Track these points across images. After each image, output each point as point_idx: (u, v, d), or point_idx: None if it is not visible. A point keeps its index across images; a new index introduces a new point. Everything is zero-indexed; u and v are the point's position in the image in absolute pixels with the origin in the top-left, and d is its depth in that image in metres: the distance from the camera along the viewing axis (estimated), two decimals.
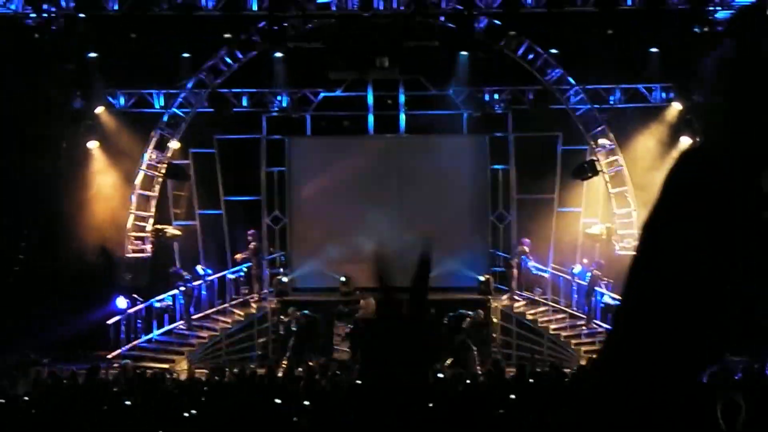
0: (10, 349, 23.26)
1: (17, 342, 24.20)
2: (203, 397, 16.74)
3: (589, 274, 26.61)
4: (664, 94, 27.99)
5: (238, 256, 27.79)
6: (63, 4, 25.51)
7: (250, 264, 27.87)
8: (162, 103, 28.37)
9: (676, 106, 27.65)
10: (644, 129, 27.86)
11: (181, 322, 26.87)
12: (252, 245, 27.67)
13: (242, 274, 28.17)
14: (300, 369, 21.12)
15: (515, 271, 27.42)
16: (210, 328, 27.07)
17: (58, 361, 23.93)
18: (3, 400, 15.98)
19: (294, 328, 25.40)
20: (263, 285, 27.76)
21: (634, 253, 2.01)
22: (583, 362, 23.98)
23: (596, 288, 26.29)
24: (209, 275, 27.66)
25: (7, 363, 21.92)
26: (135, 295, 26.74)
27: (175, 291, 27.08)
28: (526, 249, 27.34)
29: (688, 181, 1.92)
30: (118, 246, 27.85)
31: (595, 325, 26.37)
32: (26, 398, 16.43)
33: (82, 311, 25.99)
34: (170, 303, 26.93)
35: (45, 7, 25.16)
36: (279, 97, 28.53)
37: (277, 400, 15.42)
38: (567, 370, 20.30)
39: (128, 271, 27.57)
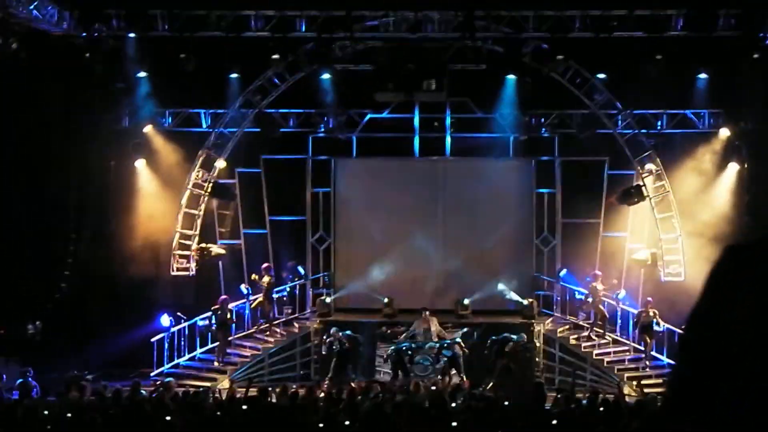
0: (58, 365, 23.29)
1: (64, 358, 24.40)
2: (244, 417, 16.73)
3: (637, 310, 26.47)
4: (712, 120, 27.73)
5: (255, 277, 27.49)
6: (114, 23, 25.65)
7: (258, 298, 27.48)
8: (209, 122, 28.53)
9: (724, 133, 27.38)
10: (692, 155, 27.66)
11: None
12: (264, 280, 27.29)
13: (286, 293, 28.13)
14: (341, 390, 20.95)
15: (589, 302, 27.15)
16: (253, 347, 27.04)
17: (103, 377, 24.09)
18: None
19: (336, 349, 25.32)
20: (274, 320, 27.59)
21: (682, 336, 2.24)
22: (627, 389, 23.72)
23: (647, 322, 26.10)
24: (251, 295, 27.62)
25: (55, 379, 21.85)
26: (179, 313, 26.76)
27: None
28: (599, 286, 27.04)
29: (731, 276, 2.12)
30: (164, 264, 27.94)
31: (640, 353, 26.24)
32: (69, 415, 16.41)
33: (127, 328, 26.17)
34: (213, 321, 26.86)
35: (96, 26, 25.24)
36: (326, 118, 28.61)
37: (320, 424, 15.36)
38: (609, 396, 20.12)
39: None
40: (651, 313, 25.74)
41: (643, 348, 26.17)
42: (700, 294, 2.22)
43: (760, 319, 2.06)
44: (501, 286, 27.91)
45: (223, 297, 26.63)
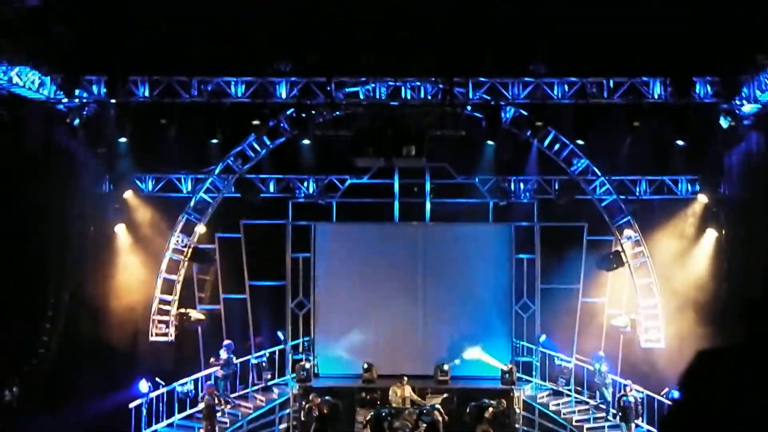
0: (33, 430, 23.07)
1: (41, 424, 24.21)
2: None
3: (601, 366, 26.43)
4: (690, 187, 28.05)
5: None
6: (94, 90, 25.74)
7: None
8: (189, 187, 28.69)
9: (702, 199, 27.63)
10: (670, 221, 27.89)
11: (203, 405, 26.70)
12: (222, 359, 27.14)
13: (265, 358, 28.05)
14: None
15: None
16: (231, 414, 26.87)
17: None
18: None
19: (315, 415, 25.17)
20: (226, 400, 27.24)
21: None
22: None
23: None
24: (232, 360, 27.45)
25: None
26: (158, 379, 26.56)
27: (198, 375, 26.99)
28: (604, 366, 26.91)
29: (701, 380, 2.34)
30: (143, 329, 27.85)
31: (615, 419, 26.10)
32: None
33: (105, 394, 25.94)
34: (192, 387, 26.80)
35: (77, 92, 25.33)
36: (306, 184, 28.84)
37: None
38: None
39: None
40: (630, 398, 25.45)
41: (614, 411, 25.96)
42: (678, 391, 2.44)
43: (728, 418, 2.24)
44: (480, 353, 27.79)
45: (210, 384, 26.39)
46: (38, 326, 27.51)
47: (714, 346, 2.51)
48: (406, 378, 26.14)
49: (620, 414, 25.41)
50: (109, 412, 25.83)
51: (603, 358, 26.77)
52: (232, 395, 27.29)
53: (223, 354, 27.06)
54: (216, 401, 25.91)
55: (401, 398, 25.82)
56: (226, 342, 27.38)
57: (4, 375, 26.30)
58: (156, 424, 26.31)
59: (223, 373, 26.96)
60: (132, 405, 25.92)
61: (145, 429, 25.98)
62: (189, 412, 26.84)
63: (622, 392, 25.49)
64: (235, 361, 27.29)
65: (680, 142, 26.54)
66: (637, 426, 25.44)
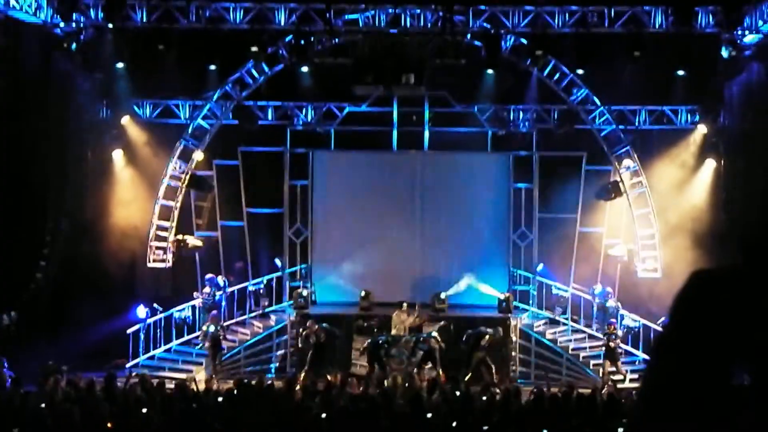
0: (33, 355, 23.09)
1: (40, 349, 24.14)
2: (222, 410, 16.75)
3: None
4: (689, 117, 27.93)
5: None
6: (92, 14, 25.57)
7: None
8: (187, 114, 28.51)
9: (701, 129, 27.60)
10: (669, 151, 27.87)
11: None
12: (205, 293, 27.20)
13: (263, 285, 28.12)
14: (317, 383, 20.97)
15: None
16: (229, 340, 26.95)
17: (78, 369, 23.93)
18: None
19: (312, 342, 25.23)
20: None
21: (650, 359, 2.41)
22: (599, 384, 23.82)
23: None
24: (228, 286, 27.65)
25: (30, 370, 21.55)
26: (155, 305, 26.72)
27: (195, 302, 27.15)
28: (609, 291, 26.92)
29: (696, 302, 2.26)
30: (141, 255, 27.97)
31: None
32: (43, 406, 16.34)
33: (103, 319, 26.11)
34: (189, 314, 26.97)
35: (74, 17, 25.16)
36: (304, 111, 28.64)
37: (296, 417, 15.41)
38: (584, 391, 20.16)
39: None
40: (614, 336, 25.32)
41: (620, 375, 25.41)
42: (667, 318, 2.35)
43: (721, 344, 2.19)
44: (477, 281, 27.92)
45: (214, 313, 26.38)
46: (37, 252, 27.47)
47: (711, 267, 2.38)
48: (405, 304, 26.10)
49: (605, 352, 25.32)
50: (108, 337, 25.95)
51: (610, 293, 26.66)
52: (230, 321, 27.25)
53: (207, 289, 27.06)
54: (220, 331, 25.89)
55: (405, 325, 25.78)
56: (209, 276, 27.32)
57: (2, 300, 26.42)
58: (154, 349, 26.52)
59: (205, 307, 26.90)
60: (130, 330, 26.12)
61: (142, 354, 26.19)
62: (187, 337, 26.92)
63: (607, 330, 25.47)
64: (218, 295, 27.20)
65: (681, 72, 26.65)
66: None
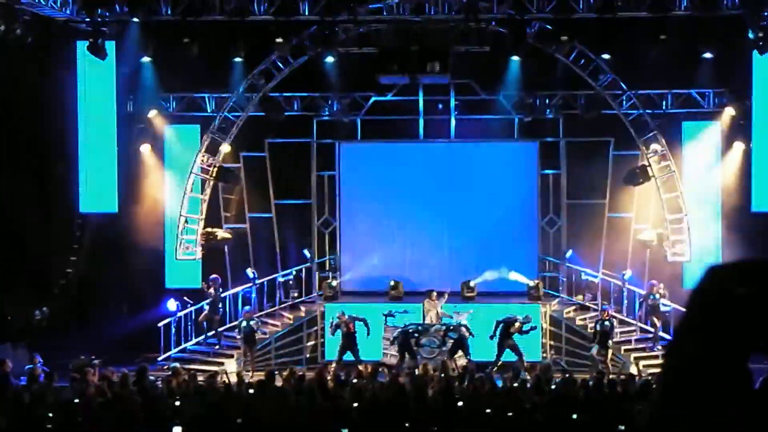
0: (65, 350, 23.32)
1: (71, 343, 24.46)
2: (252, 401, 16.76)
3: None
4: (717, 100, 27.77)
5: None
6: (117, 8, 25.65)
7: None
8: (214, 106, 28.56)
9: (729, 112, 27.43)
10: (697, 134, 27.80)
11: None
12: (210, 292, 26.75)
13: (292, 276, 28.21)
14: (348, 373, 21.01)
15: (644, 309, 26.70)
16: (260, 331, 26.80)
17: (109, 363, 24.02)
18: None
19: (343, 332, 25.26)
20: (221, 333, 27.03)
21: (665, 355, 2.44)
22: (633, 369, 23.78)
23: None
24: (258, 278, 27.67)
25: (62, 365, 21.66)
26: (185, 298, 26.78)
27: (226, 293, 27.26)
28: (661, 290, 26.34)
29: (711, 296, 2.28)
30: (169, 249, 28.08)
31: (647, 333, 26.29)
32: (77, 401, 16.44)
33: (133, 313, 26.33)
34: (220, 306, 27.00)
35: (99, 11, 25.26)
36: (330, 102, 28.65)
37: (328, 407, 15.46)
38: (614, 377, 20.32)
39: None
40: (657, 295, 25.60)
41: (652, 329, 26.00)
42: (684, 312, 2.37)
43: (736, 338, 2.21)
44: (506, 269, 27.74)
45: (247, 308, 26.37)
46: (66, 247, 27.80)
47: (728, 261, 2.39)
48: (435, 292, 26.08)
49: (597, 337, 25.18)
50: (139, 331, 26.13)
51: (655, 284, 26.22)
52: (260, 313, 27.22)
53: (211, 290, 26.70)
54: (255, 326, 25.85)
55: (436, 312, 25.80)
56: (213, 276, 27.02)
57: (34, 295, 26.55)
58: (185, 342, 26.64)
59: (206, 315, 26.68)
60: (161, 324, 26.19)
61: (174, 347, 26.27)
62: (218, 330, 26.94)
63: (599, 316, 25.37)
64: (222, 295, 27.00)
65: (707, 55, 26.33)
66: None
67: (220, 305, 26.86)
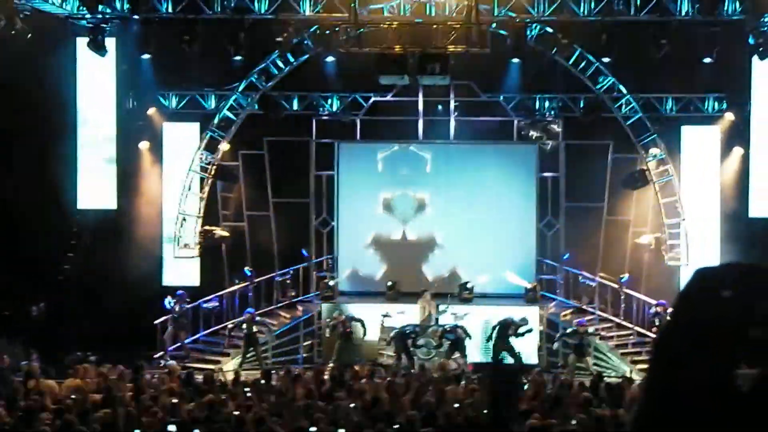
0: (62, 346, 23.29)
1: (68, 340, 24.38)
2: (248, 399, 16.82)
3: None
4: (716, 105, 27.80)
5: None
6: (117, 5, 25.62)
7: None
8: (213, 104, 28.58)
9: (728, 117, 27.45)
10: (696, 139, 27.77)
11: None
12: (176, 309, 26.37)
13: (289, 275, 28.14)
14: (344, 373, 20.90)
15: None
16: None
17: (106, 360, 23.98)
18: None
19: (340, 332, 25.29)
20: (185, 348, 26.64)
21: (651, 355, 2.40)
22: (628, 373, 23.75)
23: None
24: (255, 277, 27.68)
25: (59, 361, 21.68)
26: (180, 292, 26.70)
27: (223, 292, 27.23)
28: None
29: (698, 299, 2.29)
30: (168, 246, 28.06)
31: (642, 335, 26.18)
32: (73, 397, 16.47)
33: (130, 310, 26.08)
34: (217, 304, 26.99)
35: (100, 8, 25.23)
36: (329, 101, 28.68)
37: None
38: (612, 380, 20.39)
39: None
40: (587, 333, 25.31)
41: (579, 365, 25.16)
42: (670, 315, 2.40)
43: (722, 341, 2.21)
44: (504, 271, 27.79)
45: (249, 310, 26.08)
46: (64, 243, 27.78)
47: (717, 264, 2.45)
48: (428, 293, 26.13)
49: (573, 348, 25.02)
50: (135, 328, 25.92)
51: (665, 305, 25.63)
52: (258, 312, 26.91)
53: (175, 306, 26.35)
54: (256, 329, 25.65)
55: (430, 312, 25.84)
56: (179, 291, 26.69)
57: (31, 291, 26.60)
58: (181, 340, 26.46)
59: (171, 329, 26.34)
60: (158, 321, 26.12)
61: (170, 344, 26.17)
62: (214, 328, 27.00)
63: (577, 328, 25.19)
64: (189, 313, 26.64)
65: (707, 60, 25.90)
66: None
67: (185, 321, 26.62)
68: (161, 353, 25.74)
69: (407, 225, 28.76)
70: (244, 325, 25.46)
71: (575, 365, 24.64)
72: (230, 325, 26.23)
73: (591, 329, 25.48)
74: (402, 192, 28.75)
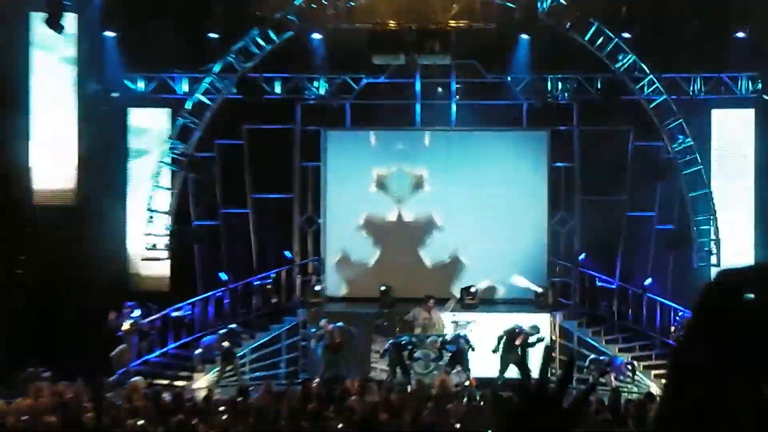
0: (15, 361, 21.80)
1: (22, 353, 22.73)
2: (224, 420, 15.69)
3: None
4: (750, 85, 26.69)
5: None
6: None
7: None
8: (186, 88, 27.70)
9: (764, 98, 26.23)
10: (728, 123, 26.73)
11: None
12: (126, 324, 24.52)
13: (270, 280, 26.97)
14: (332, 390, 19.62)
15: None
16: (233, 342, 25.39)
17: (62, 376, 22.10)
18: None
19: (327, 343, 23.99)
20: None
21: (673, 359, 2.36)
22: (653, 389, 22.04)
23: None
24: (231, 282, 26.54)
25: (10, 377, 20.44)
26: (149, 303, 25.33)
27: (195, 299, 25.88)
28: None
29: (721, 301, 2.26)
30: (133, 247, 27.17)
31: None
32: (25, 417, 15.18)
33: (92, 321, 24.39)
34: (189, 313, 25.78)
35: None
36: (316, 84, 27.76)
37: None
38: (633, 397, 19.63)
39: None
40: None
41: None
42: (691, 316, 2.35)
43: (745, 342, 2.17)
44: (513, 274, 26.81)
45: (231, 327, 24.69)
46: (17, 244, 26.43)
47: (741, 265, 2.32)
48: (432, 300, 24.79)
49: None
50: (97, 340, 24.15)
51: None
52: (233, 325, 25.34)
53: (122, 320, 24.52)
54: (234, 345, 24.40)
55: (428, 320, 24.58)
56: (129, 302, 24.86)
57: None
58: (147, 353, 25.14)
59: (120, 351, 24.35)
60: (121, 332, 24.58)
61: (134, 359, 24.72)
62: (185, 340, 25.66)
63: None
64: (146, 328, 24.82)
65: (740, 34, 25.35)
66: None
67: (137, 337, 24.89)
68: (124, 368, 23.92)
69: (403, 204, 27.82)
70: (226, 343, 24.21)
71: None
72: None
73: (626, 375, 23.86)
74: (397, 168, 27.78)
